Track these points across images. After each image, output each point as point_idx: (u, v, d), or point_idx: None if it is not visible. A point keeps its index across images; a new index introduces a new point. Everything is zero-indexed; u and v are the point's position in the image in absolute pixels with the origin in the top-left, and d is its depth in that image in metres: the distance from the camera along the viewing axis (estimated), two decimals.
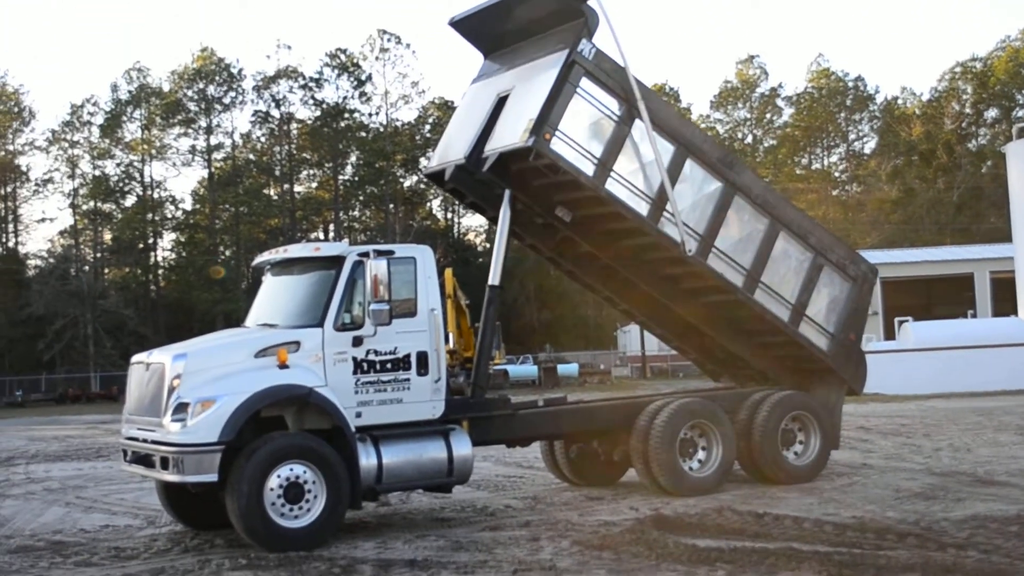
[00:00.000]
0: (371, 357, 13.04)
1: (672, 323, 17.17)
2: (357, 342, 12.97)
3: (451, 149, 15.94)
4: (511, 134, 14.59)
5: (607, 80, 14.73)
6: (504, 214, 15.15)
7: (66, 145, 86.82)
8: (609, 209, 14.93)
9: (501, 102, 15.29)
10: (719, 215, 15.48)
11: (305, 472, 12.30)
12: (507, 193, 15.11)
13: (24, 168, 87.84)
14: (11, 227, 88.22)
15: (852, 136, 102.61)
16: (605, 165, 14.63)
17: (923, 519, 12.43)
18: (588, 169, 14.51)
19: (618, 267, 16.01)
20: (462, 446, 13.51)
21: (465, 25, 16.21)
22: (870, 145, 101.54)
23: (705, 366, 18.50)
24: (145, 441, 12.80)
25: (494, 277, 15.08)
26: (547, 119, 14.13)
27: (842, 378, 16.71)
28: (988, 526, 11.79)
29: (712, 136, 16.86)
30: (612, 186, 14.70)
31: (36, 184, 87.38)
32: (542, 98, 14.29)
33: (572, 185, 14.75)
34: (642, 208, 14.93)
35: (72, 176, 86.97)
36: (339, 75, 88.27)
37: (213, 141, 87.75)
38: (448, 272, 15.82)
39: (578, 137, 14.44)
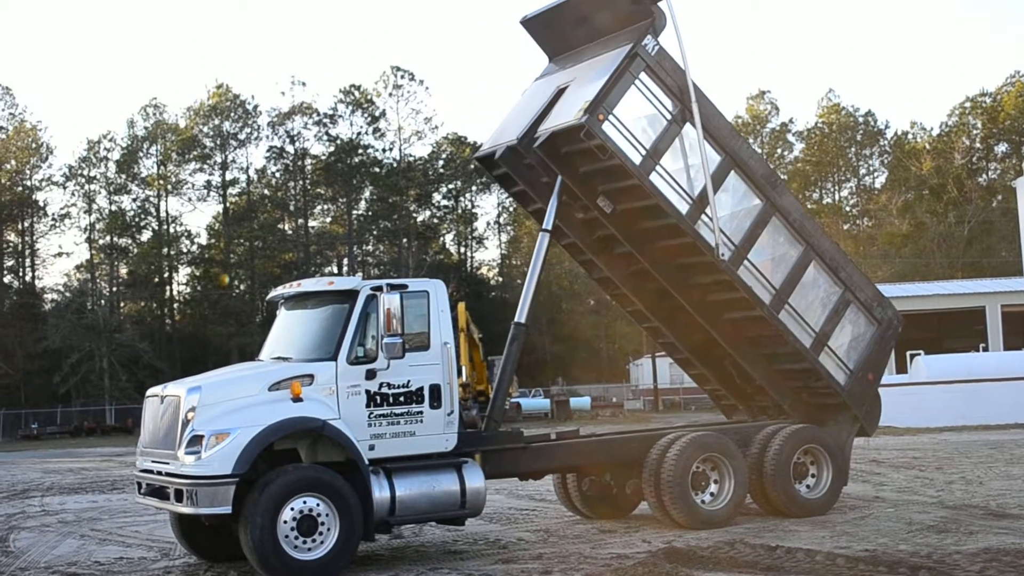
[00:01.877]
0: (384, 390, 13.04)
1: (695, 345, 17.17)
2: (370, 375, 12.97)
3: (505, 133, 16.18)
4: (565, 114, 14.90)
5: (665, 78, 15.09)
6: (552, 205, 15.35)
7: (83, 180, 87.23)
8: (650, 202, 15.11)
9: (560, 93, 15.61)
10: (755, 231, 15.67)
11: (318, 505, 12.29)
12: (558, 181, 15.34)
13: (41, 203, 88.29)
14: (28, 261, 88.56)
15: (863, 171, 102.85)
16: (652, 157, 14.92)
17: (936, 552, 12.36)
18: (635, 157, 14.77)
19: (651, 269, 16.03)
20: (475, 479, 13.48)
21: (535, 23, 16.58)
22: (880, 179, 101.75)
23: (720, 400, 18.45)
24: (159, 473, 12.81)
25: (521, 314, 15.14)
26: (603, 102, 14.44)
27: (855, 416, 16.64)
28: (1001, 559, 11.73)
29: (759, 153, 16.98)
30: (656, 179, 14.95)
31: (53, 219, 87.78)
32: (601, 83, 14.60)
33: (618, 172, 14.96)
34: (682, 207, 15.15)
35: (89, 211, 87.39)
36: (353, 111, 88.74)
37: (228, 176, 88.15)
38: (461, 306, 15.87)
39: (630, 125, 14.75)
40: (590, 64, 15.58)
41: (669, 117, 15.17)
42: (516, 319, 15.18)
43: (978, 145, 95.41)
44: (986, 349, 51.71)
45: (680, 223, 15.14)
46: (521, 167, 15.82)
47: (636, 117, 14.86)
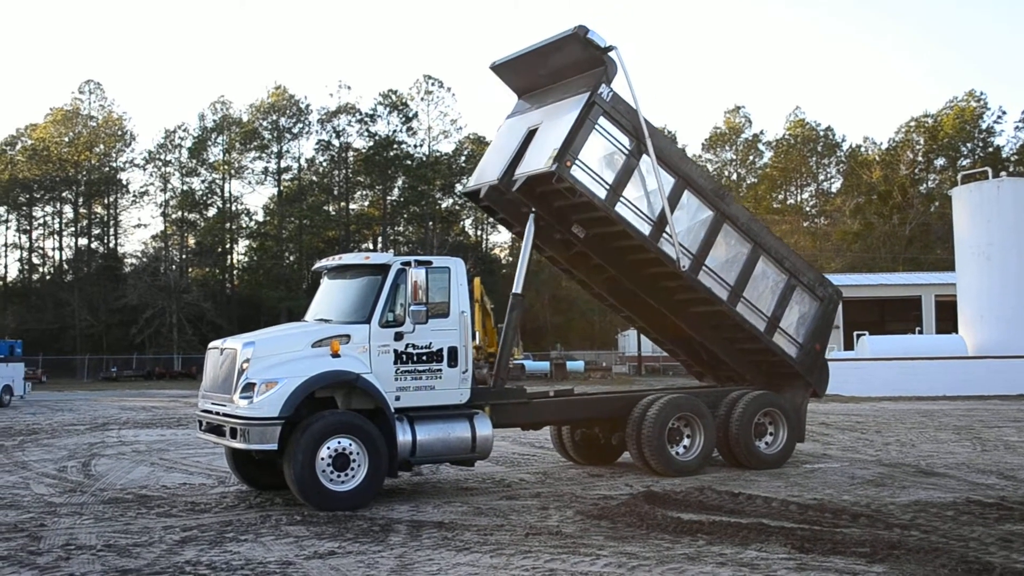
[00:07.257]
0: (410, 350, 12.99)
1: (666, 329, 17.08)
2: (398, 337, 12.92)
3: (486, 172, 15.89)
4: (537, 160, 14.56)
5: (621, 119, 14.67)
6: (528, 232, 15.09)
7: (160, 164, 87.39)
8: (617, 228, 14.84)
9: (531, 135, 15.23)
10: (710, 239, 15.39)
11: (351, 445, 12.28)
12: (532, 214, 15.06)
13: (125, 182, 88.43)
14: (112, 231, 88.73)
15: (821, 177, 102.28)
16: (616, 191, 14.56)
17: (873, 503, 12.31)
18: (601, 193, 14.43)
19: (622, 279, 15.92)
20: (484, 427, 13.44)
21: (504, 69, 16.16)
22: (836, 185, 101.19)
23: (692, 368, 18.37)
24: (218, 414, 12.79)
25: (517, 286, 15.02)
26: (568, 149, 14.09)
27: (808, 382, 16.58)
28: (928, 510, 11.68)
29: (707, 171, 16.87)
30: (621, 209, 14.62)
31: (134, 196, 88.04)
32: (565, 131, 14.25)
33: (587, 206, 14.67)
34: (645, 228, 14.83)
35: (164, 190, 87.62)
36: (390, 112, 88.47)
37: (283, 164, 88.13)
38: (476, 280, 15.70)
39: (594, 166, 14.38)
40: (555, 107, 15.14)
41: (627, 152, 14.71)
42: (514, 290, 15.04)
43: (920, 159, 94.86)
44: (921, 332, 51.61)
45: (644, 243, 14.86)
46: (502, 201, 15.42)
47: (599, 157, 14.45)
